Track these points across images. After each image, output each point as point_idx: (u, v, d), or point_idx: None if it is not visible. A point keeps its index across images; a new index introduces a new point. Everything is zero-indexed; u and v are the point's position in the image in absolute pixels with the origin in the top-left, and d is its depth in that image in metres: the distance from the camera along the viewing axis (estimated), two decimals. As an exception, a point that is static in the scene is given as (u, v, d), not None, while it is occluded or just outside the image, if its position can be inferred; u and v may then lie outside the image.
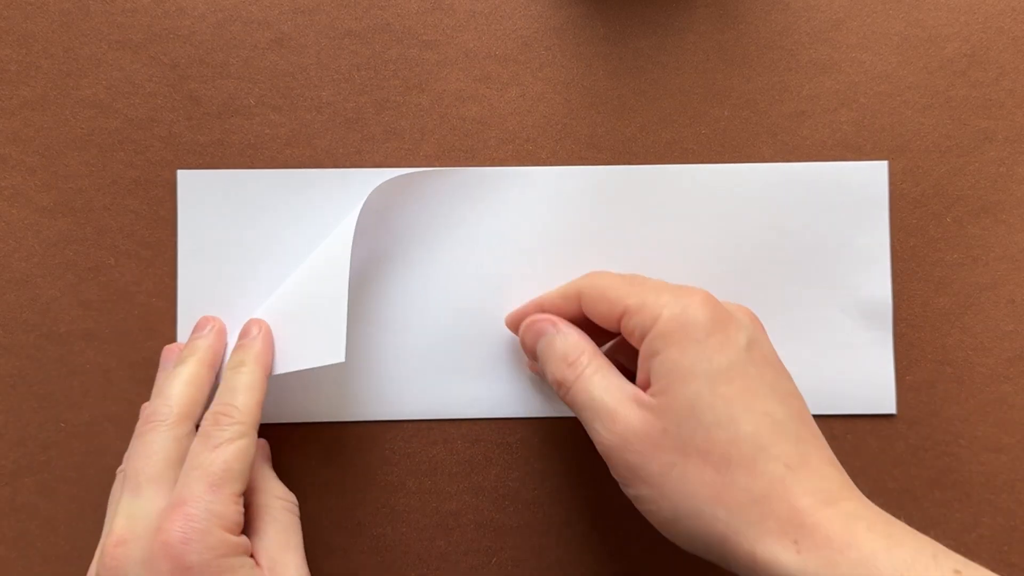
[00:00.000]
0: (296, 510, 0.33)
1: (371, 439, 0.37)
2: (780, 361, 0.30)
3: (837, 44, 0.37)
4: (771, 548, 0.25)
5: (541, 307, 0.34)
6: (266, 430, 0.36)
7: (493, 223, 0.37)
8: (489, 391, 0.37)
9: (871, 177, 0.37)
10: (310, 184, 0.37)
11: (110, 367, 0.36)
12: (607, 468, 0.30)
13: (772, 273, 0.37)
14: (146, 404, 0.33)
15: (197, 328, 0.35)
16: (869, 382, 0.36)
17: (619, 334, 0.31)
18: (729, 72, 0.37)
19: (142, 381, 0.36)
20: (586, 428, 0.30)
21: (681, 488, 0.27)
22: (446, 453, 0.37)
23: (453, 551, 0.36)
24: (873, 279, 0.37)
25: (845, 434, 0.36)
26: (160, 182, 0.37)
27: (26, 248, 0.36)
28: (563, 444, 0.37)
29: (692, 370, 0.28)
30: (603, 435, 0.29)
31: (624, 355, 0.34)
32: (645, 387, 0.29)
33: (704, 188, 0.37)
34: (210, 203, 0.37)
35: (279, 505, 0.32)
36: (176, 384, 0.32)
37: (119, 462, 0.36)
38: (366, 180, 0.37)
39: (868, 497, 0.36)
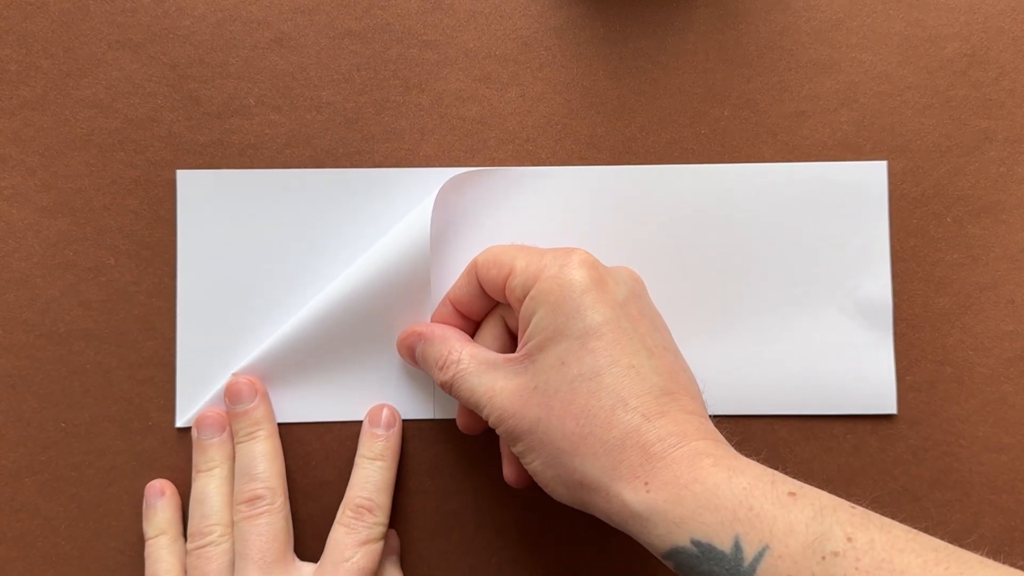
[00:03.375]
0: None
1: (371, 439, 0.36)
2: (659, 316, 0.31)
3: (837, 44, 0.37)
4: (624, 491, 0.27)
5: (450, 296, 0.35)
6: (266, 430, 0.36)
7: (493, 223, 0.37)
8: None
9: (871, 177, 0.37)
10: (310, 184, 0.37)
11: (110, 367, 0.36)
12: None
13: (772, 273, 0.37)
14: (200, 469, 0.35)
15: (238, 397, 0.36)
16: (869, 382, 0.36)
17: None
18: (729, 72, 0.37)
19: (142, 381, 0.36)
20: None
21: (547, 441, 0.28)
22: (446, 453, 0.37)
23: (453, 551, 0.36)
24: (873, 279, 0.37)
25: (845, 434, 0.36)
26: (160, 182, 0.37)
27: (26, 248, 0.36)
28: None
29: (565, 327, 0.29)
30: (489, 416, 0.30)
31: (512, 318, 0.34)
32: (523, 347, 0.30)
33: (704, 188, 0.37)
34: (210, 203, 0.37)
35: None
36: (262, 462, 0.35)
37: (119, 462, 0.36)
38: (366, 180, 0.37)
39: (869, 498, 0.36)
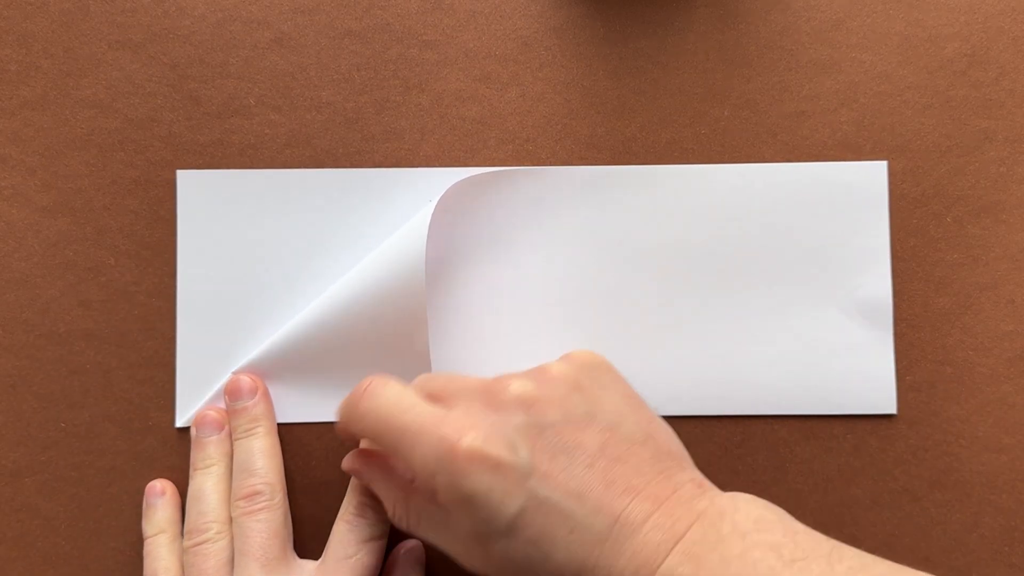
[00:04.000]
0: None
1: (371, 439, 0.36)
2: (565, 452, 0.28)
3: (837, 44, 0.37)
4: None
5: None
6: (266, 430, 0.36)
7: (491, 224, 0.37)
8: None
9: (871, 177, 0.37)
10: (310, 184, 0.37)
11: (110, 367, 0.36)
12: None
13: (772, 273, 0.37)
14: (197, 465, 0.35)
15: (237, 394, 0.35)
16: (869, 382, 0.36)
17: None
18: (729, 72, 0.37)
19: (142, 381, 0.36)
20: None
21: None
22: (446, 453, 0.37)
23: (453, 551, 0.36)
24: (873, 279, 0.37)
25: (845, 434, 0.36)
26: (160, 182, 0.37)
27: (26, 248, 0.36)
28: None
29: (488, 531, 0.27)
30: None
31: None
32: None
33: (704, 188, 0.37)
34: (210, 203, 0.37)
35: None
36: (261, 458, 0.34)
37: (119, 462, 0.36)
38: (366, 180, 0.37)
39: (869, 498, 0.36)
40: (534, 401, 0.29)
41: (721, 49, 0.37)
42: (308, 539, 0.36)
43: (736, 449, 0.36)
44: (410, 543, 0.36)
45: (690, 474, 0.29)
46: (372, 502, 0.34)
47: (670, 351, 0.36)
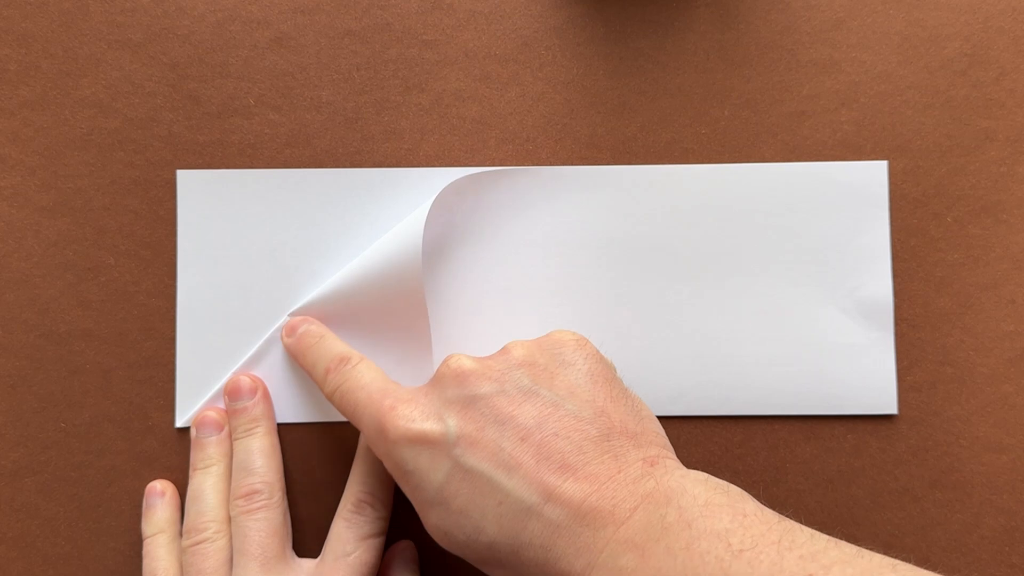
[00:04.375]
0: None
1: (371, 439, 0.36)
2: (496, 423, 0.28)
3: (837, 44, 0.37)
4: None
5: None
6: (266, 430, 0.36)
7: (492, 224, 0.37)
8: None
9: (871, 177, 0.37)
10: (310, 184, 0.37)
11: (110, 367, 0.36)
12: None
13: (772, 273, 0.37)
14: (196, 465, 0.35)
15: (237, 394, 0.36)
16: (870, 382, 0.36)
17: None
18: (729, 72, 0.37)
19: (142, 381, 0.36)
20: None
21: None
22: (446, 453, 0.37)
23: (453, 551, 0.36)
24: (874, 279, 0.37)
25: (846, 434, 0.36)
26: (160, 182, 0.37)
27: (26, 248, 0.36)
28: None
29: (422, 500, 0.29)
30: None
31: None
32: None
33: (704, 188, 0.37)
34: (210, 203, 0.37)
35: None
36: (260, 458, 0.34)
37: (119, 462, 0.36)
38: (366, 180, 0.37)
39: (869, 498, 0.36)
40: (469, 374, 0.29)
41: (721, 49, 0.37)
42: (308, 539, 0.36)
43: (736, 449, 0.36)
44: (403, 543, 0.36)
45: (644, 452, 0.28)
46: (370, 499, 0.34)
47: (670, 351, 0.36)
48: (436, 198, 0.35)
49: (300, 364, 0.35)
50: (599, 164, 0.37)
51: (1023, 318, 0.37)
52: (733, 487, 0.27)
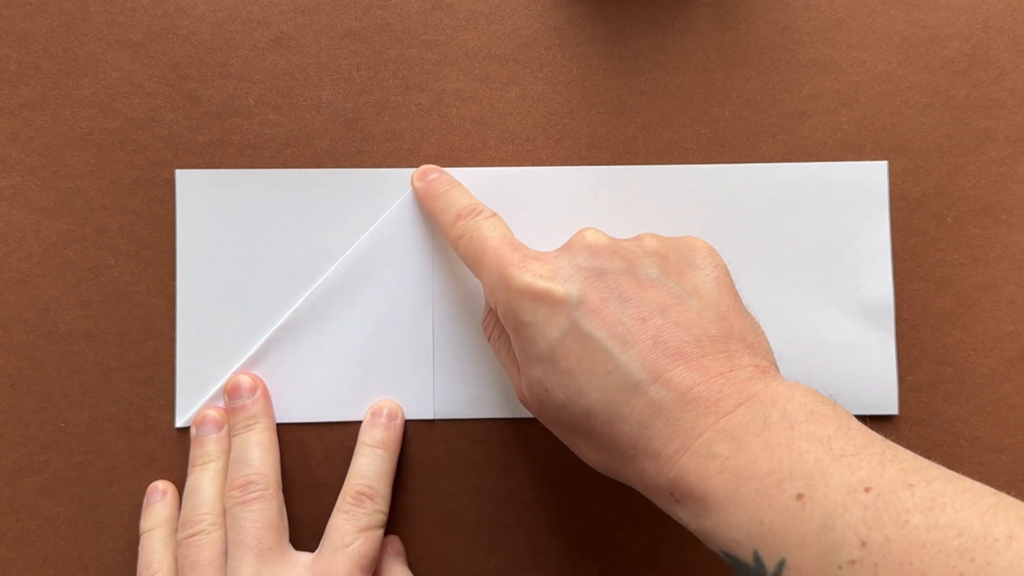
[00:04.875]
0: None
1: (371, 439, 0.36)
2: (620, 298, 0.28)
3: (837, 44, 0.37)
4: (656, 499, 0.27)
5: None
6: (266, 430, 0.36)
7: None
8: (489, 391, 0.36)
9: (871, 177, 0.37)
10: (310, 184, 0.37)
11: (110, 367, 0.36)
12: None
13: (772, 273, 0.37)
14: (197, 461, 0.35)
15: (236, 392, 0.36)
16: (871, 382, 0.36)
17: None
18: (729, 72, 0.37)
19: (142, 381, 0.36)
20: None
21: (578, 451, 0.29)
22: (446, 453, 0.37)
23: (453, 551, 0.36)
24: (874, 279, 0.37)
25: (845, 434, 0.36)
26: (160, 182, 0.37)
27: (26, 248, 0.36)
28: (562, 444, 0.37)
29: (531, 354, 0.29)
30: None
31: None
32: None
33: (704, 188, 0.37)
34: (210, 203, 0.37)
35: None
36: (256, 451, 0.34)
37: (119, 462, 0.36)
38: (366, 180, 0.37)
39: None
40: (603, 248, 0.30)
41: (721, 49, 0.37)
42: (307, 539, 0.36)
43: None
44: (390, 537, 0.36)
45: (757, 360, 0.28)
46: (370, 491, 0.34)
47: (670, 351, 0.36)
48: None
49: (427, 208, 0.35)
50: (599, 164, 0.37)
51: (1023, 318, 0.37)
52: (839, 405, 0.26)
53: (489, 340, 0.33)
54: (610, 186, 0.37)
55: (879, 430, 0.36)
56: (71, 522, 0.36)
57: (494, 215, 0.33)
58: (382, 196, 0.37)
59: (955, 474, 0.24)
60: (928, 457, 0.35)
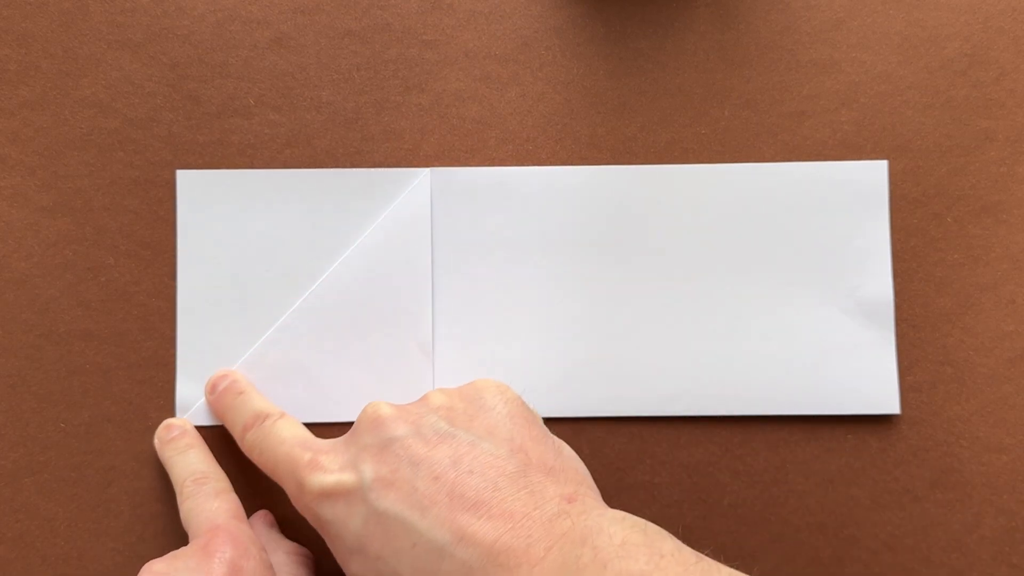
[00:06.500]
0: (310, 561, 0.34)
1: (371, 439, 0.36)
2: (410, 463, 0.28)
3: (837, 44, 0.37)
4: None
5: None
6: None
7: (493, 223, 0.37)
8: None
9: (871, 177, 0.37)
10: (310, 184, 0.37)
11: (110, 367, 0.36)
12: (604, 469, 0.30)
13: (773, 273, 0.37)
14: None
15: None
16: (871, 382, 0.36)
17: None
18: (729, 72, 0.37)
19: (142, 381, 0.36)
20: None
21: None
22: (446, 453, 0.37)
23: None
24: (874, 279, 0.37)
25: (846, 434, 0.36)
26: (160, 182, 0.37)
27: (26, 248, 0.36)
28: (563, 444, 0.37)
29: (343, 550, 0.28)
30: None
31: None
32: None
33: (704, 188, 0.37)
34: (210, 203, 0.37)
35: (290, 560, 0.33)
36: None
37: (119, 462, 0.36)
38: (366, 180, 0.37)
39: (869, 498, 0.36)
40: (385, 419, 0.29)
41: (721, 49, 0.37)
42: (307, 540, 0.36)
43: (736, 449, 0.36)
44: (260, 512, 0.36)
45: (562, 488, 0.27)
46: (203, 477, 0.34)
47: (670, 351, 0.36)
48: (436, 202, 0.35)
49: (222, 422, 0.35)
50: (599, 164, 0.37)
51: (1023, 318, 0.37)
52: (652, 525, 0.26)
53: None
54: (610, 186, 0.37)
55: (879, 430, 0.36)
56: (71, 522, 0.36)
57: (282, 415, 0.33)
58: (382, 196, 0.37)
59: None
60: (928, 457, 0.35)
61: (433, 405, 0.30)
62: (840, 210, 0.37)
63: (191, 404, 0.36)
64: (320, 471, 0.29)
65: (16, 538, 0.36)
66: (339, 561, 0.29)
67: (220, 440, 0.36)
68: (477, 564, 0.25)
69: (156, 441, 0.35)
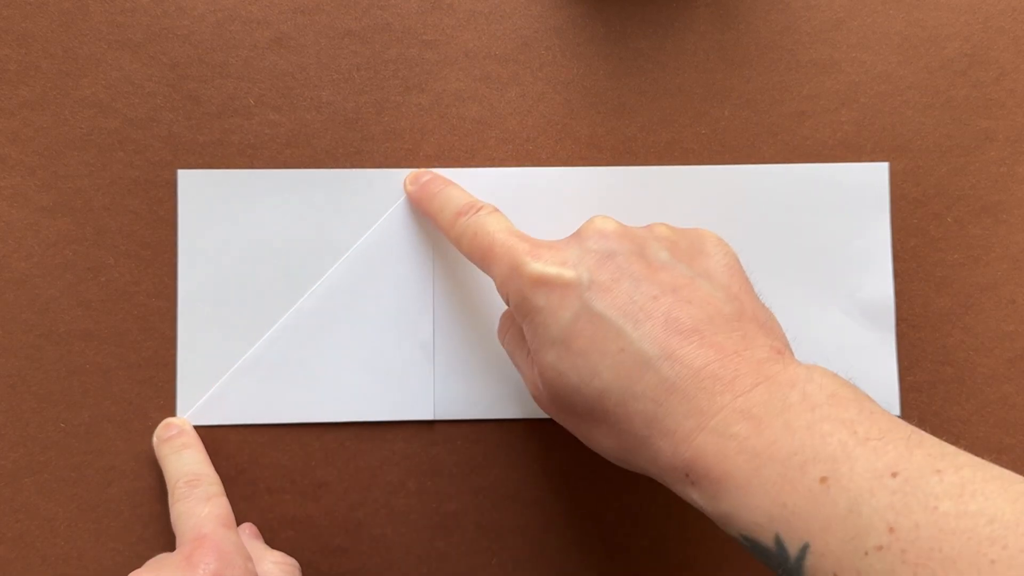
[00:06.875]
0: (296, 571, 0.34)
1: (371, 439, 0.36)
2: (631, 278, 0.28)
3: (837, 44, 0.37)
4: (671, 483, 0.26)
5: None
6: (268, 430, 0.36)
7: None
8: (490, 392, 0.36)
9: (872, 178, 0.37)
10: (310, 184, 0.37)
11: (110, 367, 0.36)
12: (606, 468, 0.30)
13: (773, 274, 0.37)
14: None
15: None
16: (871, 383, 0.36)
17: None
18: (729, 72, 0.37)
19: (142, 381, 0.36)
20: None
21: (592, 441, 0.29)
22: (446, 453, 0.37)
23: (453, 552, 0.36)
24: (874, 279, 0.37)
25: (846, 434, 0.36)
26: (160, 182, 0.37)
27: (26, 248, 0.36)
28: (562, 445, 0.37)
29: (544, 339, 0.28)
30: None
31: None
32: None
33: (704, 188, 0.37)
34: (210, 203, 0.37)
35: (277, 570, 0.33)
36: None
37: (119, 462, 0.36)
38: (366, 180, 0.37)
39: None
40: (612, 233, 0.29)
41: (721, 49, 0.37)
42: (306, 540, 0.36)
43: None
44: (245, 524, 0.36)
45: (771, 341, 0.27)
46: (196, 479, 0.34)
47: (670, 351, 0.36)
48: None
49: (423, 210, 0.35)
50: (599, 164, 0.37)
51: (1023, 318, 0.37)
52: (860, 388, 0.26)
53: (503, 342, 0.33)
54: (610, 186, 0.37)
55: (879, 430, 0.36)
56: (71, 522, 0.36)
57: (495, 210, 0.33)
58: (382, 196, 0.37)
59: (983, 461, 0.23)
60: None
61: (658, 234, 0.30)
62: (841, 212, 0.37)
63: (191, 405, 0.36)
64: (541, 260, 0.29)
65: (16, 538, 0.36)
66: (532, 348, 0.29)
67: (218, 441, 0.36)
68: (680, 382, 0.26)
69: (154, 439, 0.35)
